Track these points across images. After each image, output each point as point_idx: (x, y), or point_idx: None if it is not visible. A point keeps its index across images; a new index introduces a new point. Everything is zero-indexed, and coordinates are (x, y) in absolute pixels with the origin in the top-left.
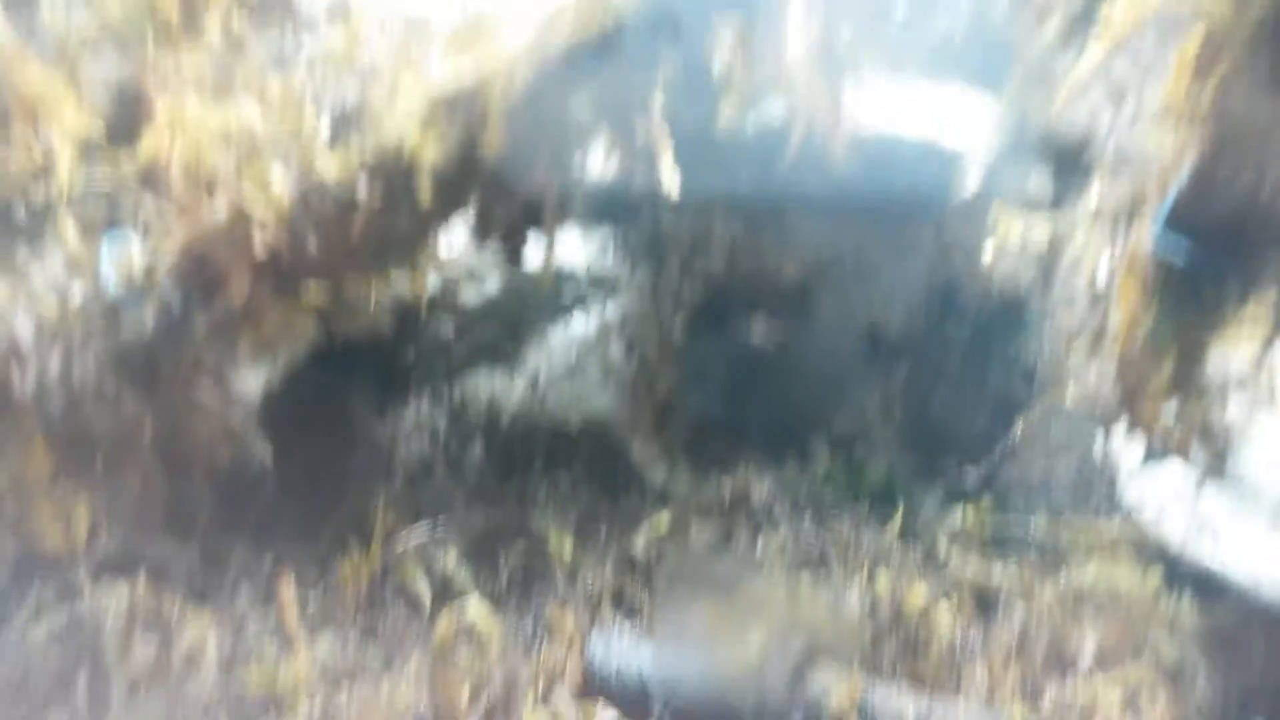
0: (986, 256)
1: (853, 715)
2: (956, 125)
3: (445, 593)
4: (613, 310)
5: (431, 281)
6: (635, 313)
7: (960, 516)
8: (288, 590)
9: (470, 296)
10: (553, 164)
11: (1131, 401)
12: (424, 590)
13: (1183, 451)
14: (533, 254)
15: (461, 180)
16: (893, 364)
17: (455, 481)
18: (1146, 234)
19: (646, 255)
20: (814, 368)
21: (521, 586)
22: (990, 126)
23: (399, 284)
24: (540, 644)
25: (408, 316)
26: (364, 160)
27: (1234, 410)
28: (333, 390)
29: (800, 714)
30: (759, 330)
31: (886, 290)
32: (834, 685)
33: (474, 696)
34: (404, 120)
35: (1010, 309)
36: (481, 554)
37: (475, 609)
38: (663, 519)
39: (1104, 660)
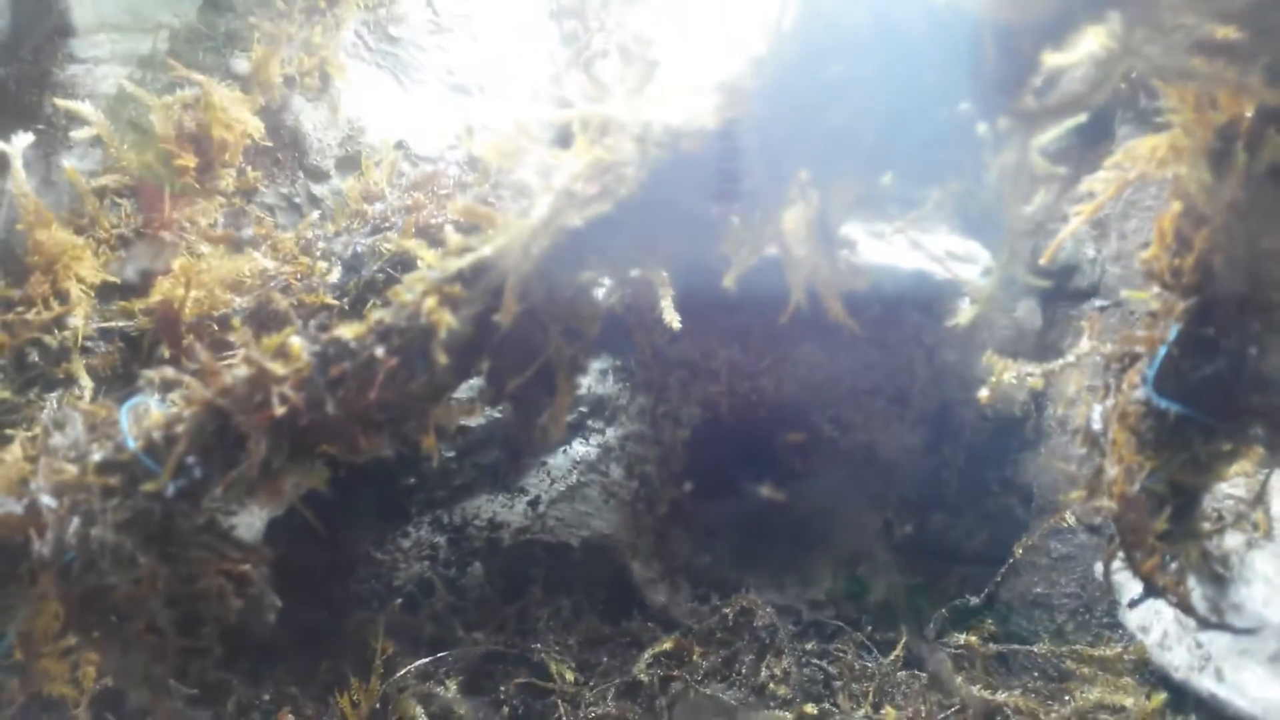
0: (982, 393)
1: None
2: (947, 258)
3: None
4: (613, 433)
5: None
6: (635, 434)
7: (963, 637)
8: None
9: (470, 420)
10: (566, 332)
11: (1129, 550)
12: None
13: (1178, 594)
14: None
15: (477, 345)
16: (891, 484)
17: (455, 607)
18: (1137, 388)
19: (646, 379)
20: (814, 489)
21: (523, 718)
22: (979, 260)
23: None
24: None
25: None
26: (381, 319)
27: (1231, 547)
28: (332, 517)
29: None
30: (758, 452)
31: (883, 411)
32: None
33: None
34: (418, 285)
35: (1007, 432)
36: (482, 684)
37: None
38: (664, 643)
39: None
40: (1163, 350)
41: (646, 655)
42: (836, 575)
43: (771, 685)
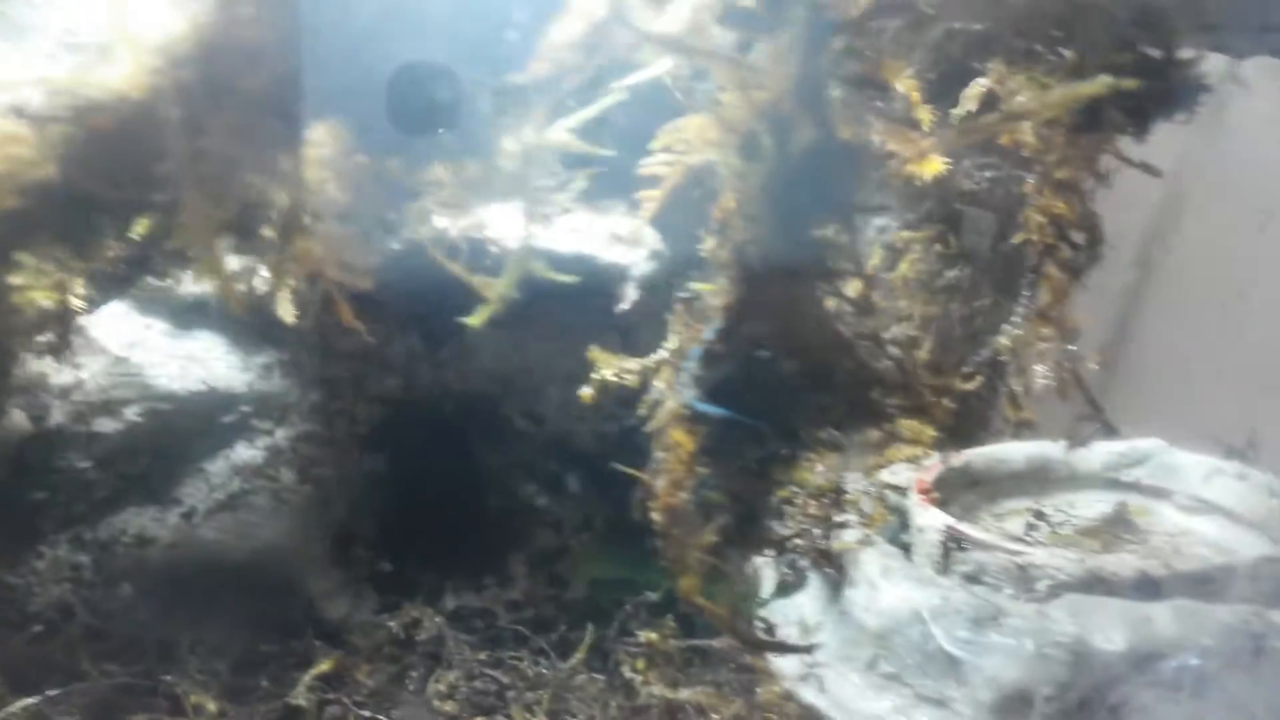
0: (584, 391)
1: None
2: (612, 241)
3: None
4: (282, 434)
5: (57, 414)
6: (306, 434)
7: (644, 635)
8: None
9: (107, 427)
10: None
11: (673, 565)
12: None
13: (724, 622)
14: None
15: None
16: (590, 478)
17: (96, 633)
18: (681, 384)
19: (316, 374)
20: (509, 485)
21: None
22: (646, 242)
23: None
24: None
25: (30, 452)
26: None
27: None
28: None
29: None
30: (447, 448)
31: (579, 403)
32: None
33: None
34: None
35: None
36: None
37: None
38: (326, 663)
39: None
40: (696, 351)
41: (306, 677)
42: (535, 574)
43: (437, 702)
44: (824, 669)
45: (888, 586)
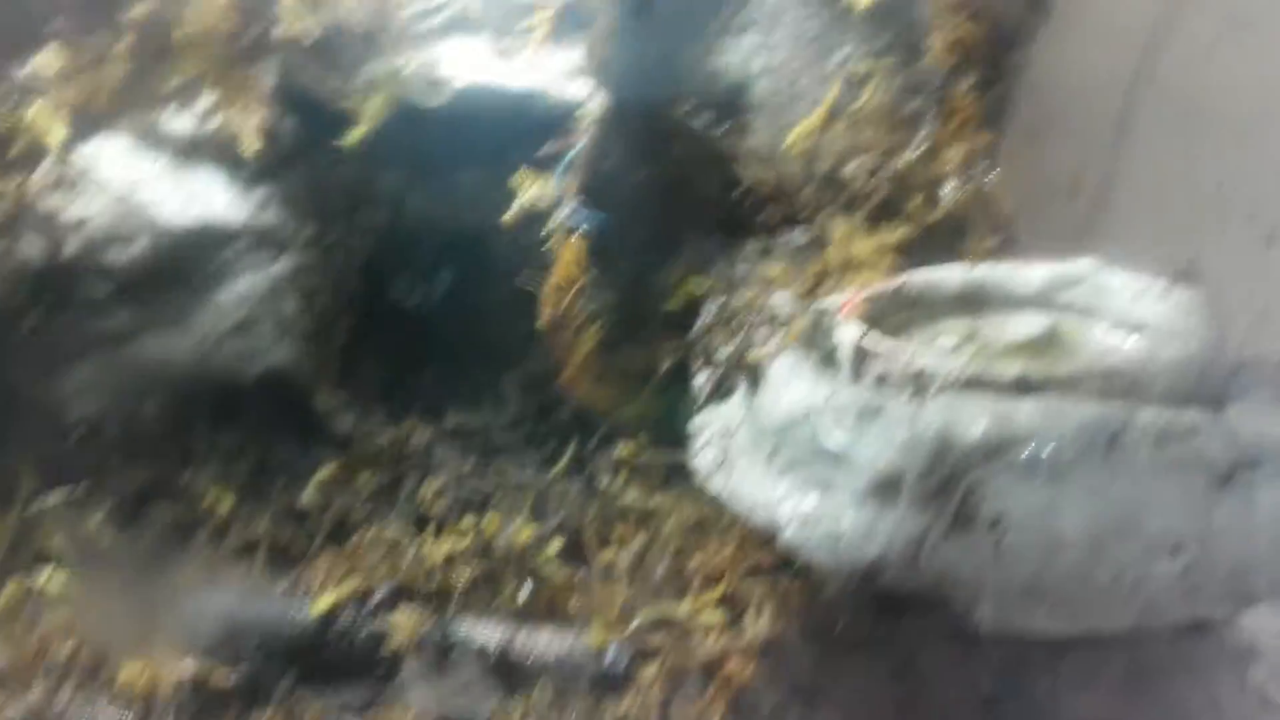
0: (506, 216)
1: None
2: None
3: (88, 552)
4: (282, 265)
5: (71, 245)
6: (305, 265)
7: (620, 448)
8: None
9: (119, 259)
10: None
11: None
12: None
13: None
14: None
15: None
16: None
17: (117, 444)
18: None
19: (311, 210)
20: (501, 313)
21: (170, 542)
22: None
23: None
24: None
25: (50, 281)
26: None
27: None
28: None
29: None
30: (438, 276)
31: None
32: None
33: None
34: None
35: None
36: (133, 515)
37: (50, 575)
38: (328, 469)
39: (709, 581)
40: (571, 151)
41: (312, 481)
42: (526, 395)
43: (427, 504)
44: (732, 462)
45: (791, 386)
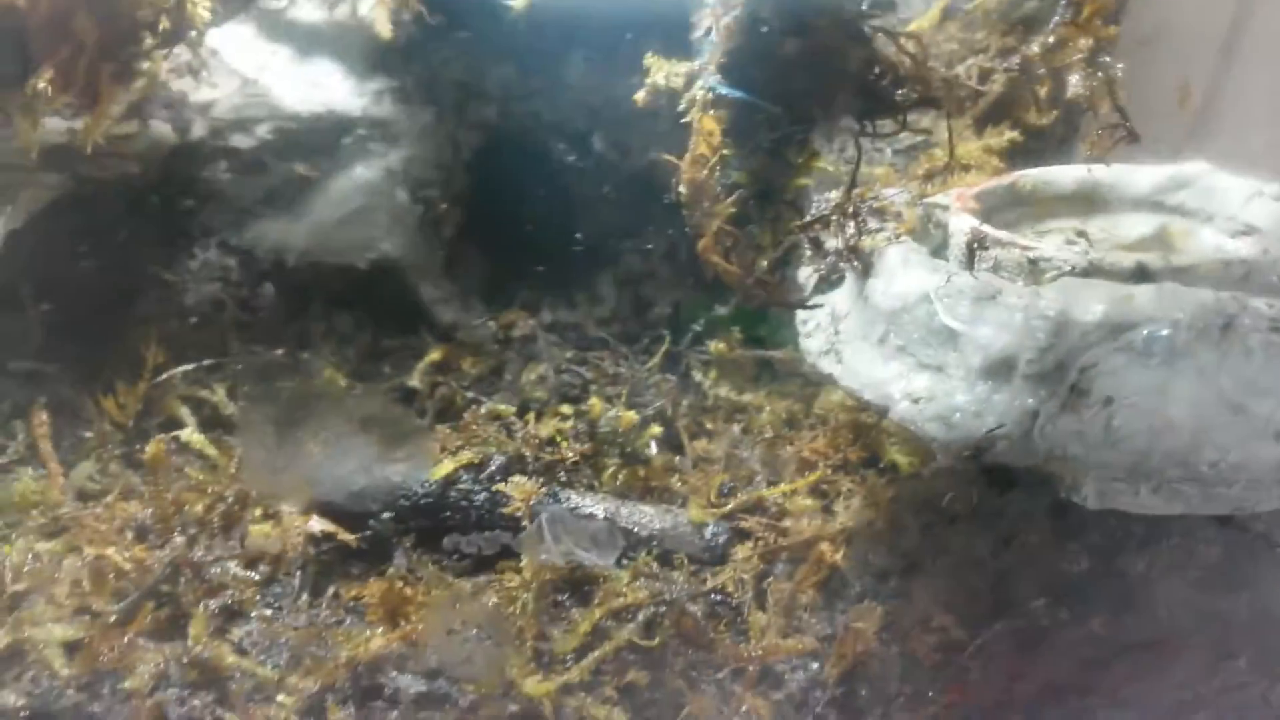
0: (639, 95)
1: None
2: None
3: (212, 424)
4: (394, 156)
5: (198, 128)
6: (417, 158)
7: (712, 344)
8: (40, 418)
9: (243, 143)
10: None
11: (696, 235)
12: (188, 421)
13: (754, 286)
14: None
15: None
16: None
17: (243, 324)
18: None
19: (423, 102)
20: (599, 213)
21: (292, 415)
22: None
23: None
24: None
25: (176, 163)
26: None
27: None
28: (113, 240)
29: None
30: (544, 174)
31: (664, 135)
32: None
33: (207, 509)
34: None
35: None
36: (254, 390)
37: (190, 435)
38: (437, 352)
39: (801, 469)
40: (712, 33)
41: (421, 364)
42: (622, 294)
43: (528, 390)
44: (843, 345)
45: (904, 274)
